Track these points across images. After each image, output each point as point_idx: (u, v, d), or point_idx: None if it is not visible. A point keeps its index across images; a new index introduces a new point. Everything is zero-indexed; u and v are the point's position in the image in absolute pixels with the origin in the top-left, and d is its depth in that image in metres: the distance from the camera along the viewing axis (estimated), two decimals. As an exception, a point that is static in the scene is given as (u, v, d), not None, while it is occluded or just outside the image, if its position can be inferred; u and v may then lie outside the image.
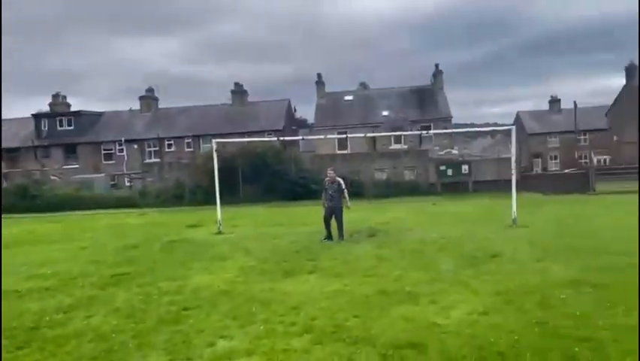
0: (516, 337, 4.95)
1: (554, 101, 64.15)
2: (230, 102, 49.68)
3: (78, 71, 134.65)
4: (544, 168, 57.28)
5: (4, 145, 45.40)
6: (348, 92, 50.29)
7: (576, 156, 54.17)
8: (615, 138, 50.69)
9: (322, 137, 34.73)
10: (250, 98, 50.15)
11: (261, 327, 5.62)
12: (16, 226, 21.12)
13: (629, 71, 49.25)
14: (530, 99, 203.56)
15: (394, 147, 40.86)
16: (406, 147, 40.57)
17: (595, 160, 49.28)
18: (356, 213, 17.95)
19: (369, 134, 30.90)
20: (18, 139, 47.24)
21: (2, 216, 28.21)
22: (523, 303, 6.22)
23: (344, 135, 31.38)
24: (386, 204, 25.54)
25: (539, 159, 59.66)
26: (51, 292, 7.89)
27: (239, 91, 49.37)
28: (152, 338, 5.38)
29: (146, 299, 7.15)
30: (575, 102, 49.95)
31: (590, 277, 7.42)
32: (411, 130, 37.57)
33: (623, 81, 50.69)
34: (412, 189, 32.42)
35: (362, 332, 5.38)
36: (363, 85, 61.96)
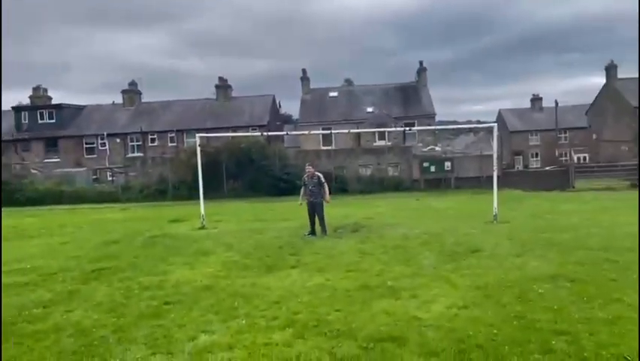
0: (495, 330, 5.00)
1: (536, 99, 64.55)
2: (214, 97, 49.39)
3: (59, 64, 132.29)
4: (526, 166, 57.82)
5: None
6: (333, 89, 50.33)
7: (556, 153, 54.87)
8: (594, 136, 51.46)
9: (307, 133, 34.77)
10: (234, 94, 49.84)
11: (243, 321, 5.60)
12: None
13: (609, 71, 49.64)
14: (511, 98, 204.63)
15: (378, 143, 41.06)
16: (389, 143, 40.64)
17: (575, 158, 50.39)
18: (340, 209, 17.99)
19: (353, 131, 31.06)
20: None
21: None
22: (502, 297, 6.26)
23: (328, 131, 31.44)
24: (370, 199, 25.60)
25: (520, 157, 60.19)
26: (30, 287, 7.76)
27: (223, 86, 49.10)
28: (133, 333, 5.34)
29: (127, 294, 7.07)
30: (555, 101, 50.79)
31: (567, 272, 7.50)
32: (395, 127, 37.69)
33: (603, 80, 51.09)
34: (395, 185, 32.67)
35: (343, 325, 5.38)
36: (348, 81, 62.04)
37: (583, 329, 5.03)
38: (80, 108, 49.60)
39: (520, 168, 55.08)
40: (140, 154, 43.97)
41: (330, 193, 13.15)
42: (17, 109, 47.71)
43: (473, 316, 5.55)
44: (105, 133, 45.45)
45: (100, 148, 45.85)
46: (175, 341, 5.05)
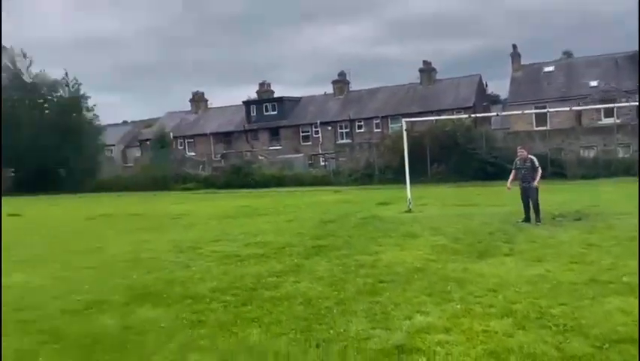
0: None
1: None
2: (418, 81, 49.16)
3: (278, 60, 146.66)
4: None
5: (221, 130, 52.15)
6: (549, 63, 45.35)
7: None
8: None
9: (519, 112, 32.45)
10: (438, 76, 48.81)
11: (458, 306, 5.53)
12: (233, 200, 24.22)
13: None
14: None
15: (605, 121, 35.97)
16: (619, 121, 35.43)
17: None
18: (558, 195, 16.45)
19: (575, 108, 27.89)
20: (232, 124, 53.33)
21: (222, 190, 32.92)
22: None
23: (543, 110, 28.84)
24: (594, 185, 22.83)
25: None
26: (264, 258, 8.84)
27: (427, 69, 48.39)
28: (353, 306, 5.68)
29: (344, 270, 7.56)
30: None
31: None
32: (626, 101, 32.78)
33: None
34: (626, 169, 28.22)
35: (570, 321, 4.95)
36: (567, 54, 55.31)
37: None
38: (297, 100, 53.97)
39: None
40: (349, 140, 46.21)
41: (543, 178, 12.22)
42: (247, 103, 53.78)
43: None
44: (318, 122, 48.65)
45: (314, 136, 49.33)
46: (392, 318, 5.22)
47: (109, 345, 4.80)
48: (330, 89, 53.60)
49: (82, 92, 43.21)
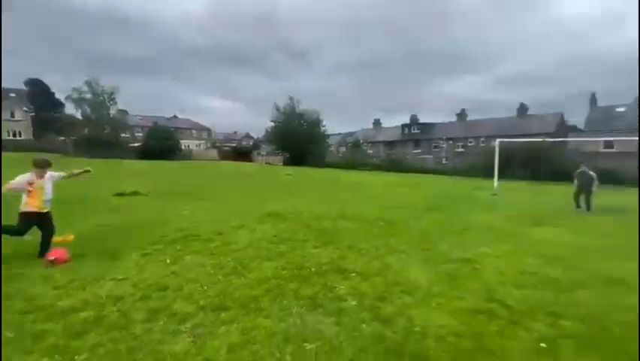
0: None
1: None
2: (513, 115, 42.16)
3: (421, 100, 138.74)
4: None
5: (387, 139, 51.32)
6: (621, 105, 34.60)
7: None
8: None
9: (576, 139, 26.19)
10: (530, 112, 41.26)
11: (510, 247, 5.35)
12: (390, 177, 23.95)
13: None
14: None
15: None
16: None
17: None
18: (608, 197, 12.75)
19: (634, 138, 21.31)
20: (395, 136, 52.59)
21: (386, 173, 31.55)
22: None
23: (611, 138, 22.87)
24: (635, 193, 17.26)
25: None
26: (404, 208, 8.95)
27: (521, 108, 41.73)
28: (434, 237, 5.92)
29: (449, 221, 7.32)
30: None
31: None
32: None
33: None
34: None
35: (582, 264, 4.54)
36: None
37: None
38: (433, 124, 50.67)
39: None
40: (463, 150, 42.72)
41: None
42: (403, 125, 52.48)
43: None
44: (444, 137, 45.71)
45: (441, 146, 46.57)
46: (468, 247, 5.25)
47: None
48: (454, 118, 50.08)
49: (320, 117, 46.20)
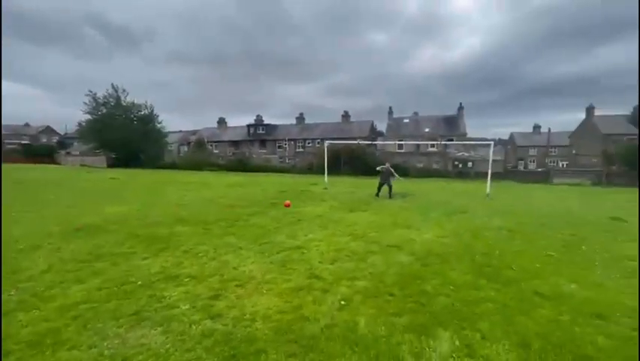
0: (451, 249, 5.15)
1: (536, 127, 55.86)
2: (339, 120, 49.53)
3: (266, 101, 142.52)
4: (525, 167, 50.46)
5: (233, 139, 49.33)
6: (405, 117, 47.65)
7: (546, 160, 46.98)
8: (573, 151, 43.07)
9: (391, 142, 34.02)
10: (352, 119, 49.17)
11: (330, 231, 6.14)
12: (235, 177, 23.01)
13: (588, 110, 41.54)
14: (521, 125, 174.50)
15: (430, 149, 38.84)
16: (436, 150, 38.40)
17: (560, 165, 43.20)
18: (401, 185, 17.16)
19: (416, 142, 29.82)
20: (240, 136, 50.77)
21: (230, 172, 31.55)
22: (463, 235, 6.11)
23: (402, 142, 30.65)
24: (419, 182, 24.20)
25: (523, 161, 52.49)
26: (247, 205, 8.73)
27: (345, 115, 48.89)
28: (283, 230, 6.28)
29: (283, 215, 7.85)
30: (549, 128, 43.18)
31: (509, 226, 6.95)
32: (440, 140, 35.49)
33: (583, 116, 42.63)
34: (437, 174, 30.85)
35: (376, 238, 5.66)
36: (415, 113, 57.98)
37: (499, 253, 4.93)
38: (276, 126, 52.16)
39: (522, 168, 48.18)
40: (302, 150, 45.80)
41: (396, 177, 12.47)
42: (249, 125, 51.36)
43: (444, 241, 5.63)
44: (287, 138, 47.89)
45: (284, 146, 48.16)
46: (299, 236, 5.75)
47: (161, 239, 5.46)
48: (294, 121, 53.22)
49: (155, 112, 40.78)
